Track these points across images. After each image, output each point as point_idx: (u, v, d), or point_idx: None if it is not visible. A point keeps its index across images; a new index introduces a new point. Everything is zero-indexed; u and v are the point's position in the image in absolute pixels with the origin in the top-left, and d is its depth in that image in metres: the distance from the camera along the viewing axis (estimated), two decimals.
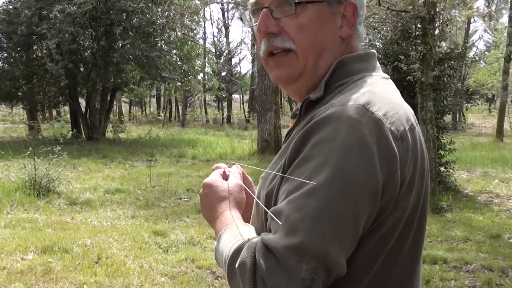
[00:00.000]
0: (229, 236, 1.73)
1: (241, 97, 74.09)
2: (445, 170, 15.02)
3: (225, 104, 67.81)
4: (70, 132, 31.04)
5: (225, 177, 2.06)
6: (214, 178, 2.01)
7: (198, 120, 61.18)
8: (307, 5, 1.78)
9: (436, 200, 12.56)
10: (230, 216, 1.85)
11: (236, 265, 1.56)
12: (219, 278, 7.71)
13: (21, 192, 13.37)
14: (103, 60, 30.34)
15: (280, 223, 1.51)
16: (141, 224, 10.79)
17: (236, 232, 1.73)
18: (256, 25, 1.86)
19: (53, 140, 23.68)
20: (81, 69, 31.15)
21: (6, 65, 32.34)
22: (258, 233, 1.73)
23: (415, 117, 1.80)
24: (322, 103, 1.73)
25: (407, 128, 1.64)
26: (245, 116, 59.83)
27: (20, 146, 21.40)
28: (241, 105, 71.44)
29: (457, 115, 50.29)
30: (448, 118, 30.31)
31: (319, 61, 1.81)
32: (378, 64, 1.90)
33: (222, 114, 63.10)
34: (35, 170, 13.85)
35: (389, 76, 1.89)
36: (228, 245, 1.69)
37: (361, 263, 1.60)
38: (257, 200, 1.82)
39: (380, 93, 1.68)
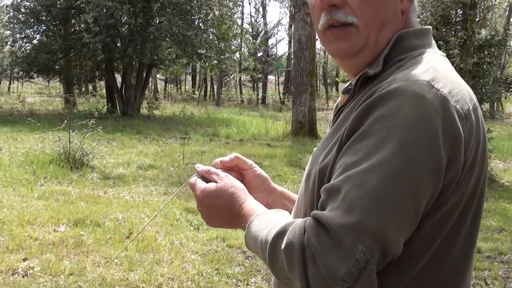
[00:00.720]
0: (263, 221, 1.67)
1: (277, 78, 73.86)
2: None
3: (260, 84, 67.73)
4: (105, 107, 31.11)
5: (205, 181, 1.98)
6: (203, 186, 1.91)
7: (233, 99, 61.25)
8: None
9: None
10: (253, 205, 1.82)
11: (282, 247, 1.48)
12: (249, 258, 7.69)
13: (55, 164, 13.46)
14: (140, 36, 30.43)
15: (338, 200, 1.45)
16: (173, 201, 10.79)
17: (270, 217, 1.68)
18: None
19: (88, 115, 23.76)
20: (118, 44, 31.26)
21: (44, 38, 32.69)
22: (307, 211, 1.70)
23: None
24: (379, 79, 1.67)
25: (471, 108, 1.58)
26: (280, 98, 59.67)
27: (56, 119, 21.55)
28: (276, 86, 71.29)
29: (495, 104, 49.78)
30: (486, 106, 30.04)
31: (380, 34, 1.75)
32: (433, 40, 1.83)
33: (257, 95, 63.07)
34: (70, 143, 13.93)
35: (444, 54, 1.82)
36: (264, 229, 1.62)
37: (417, 245, 1.54)
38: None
39: (443, 70, 1.63)
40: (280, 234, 1.52)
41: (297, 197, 1.90)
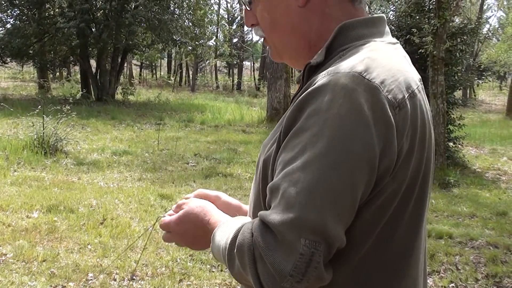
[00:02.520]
0: (222, 231, 1.70)
1: (252, 64, 73.87)
2: (453, 145, 14.98)
3: (235, 70, 67.62)
4: (80, 93, 30.82)
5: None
6: (173, 217, 1.94)
7: (208, 85, 61.10)
8: None
9: (443, 175, 12.53)
10: (218, 217, 1.83)
11: (235, 250, 1.53)
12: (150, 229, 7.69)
13: (29, 150, 13.40)
14: (115, 21, 30.30)
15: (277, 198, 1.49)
16: (148, 187, 10.79)
17: (230, 224, 1.71)
18: None
19: (63, 100, 23.67)
20: (93, 29, 31.11)
21: (18, 22, 32.35)
22: (254, 202, 1.78)
23: (422, 82, 1.77)
24: (323, 68, 1.67)
25: (406, 96, 1.59)
26: (255, 84, 59.63)
27: (29, 104, 21.38)
28: (252, 73, 71.24)
29: (468, 91, 50.14)
30: (458, 93, 30.24)
31: (286, 41, 1.86)
32: (387, 29, 1.85)
33: (233, 81, 63.00)
34: (43, 129, 13.86)
35: (397, 41, 1.84)
36: (224, 237, 1.65)
37: (358, 233, 1.56)
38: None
39: (381, 60, 1.63)
40: (234, 238, 1.56)
41: (250, 193, 1.93)
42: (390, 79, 1.57)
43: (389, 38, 1.82)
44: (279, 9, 1.81)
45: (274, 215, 1.46)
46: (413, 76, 1.69)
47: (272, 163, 1.66)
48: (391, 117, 1.51)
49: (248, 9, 1.89)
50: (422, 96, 1.70)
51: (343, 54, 1.68)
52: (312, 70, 1.73)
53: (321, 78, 1.57)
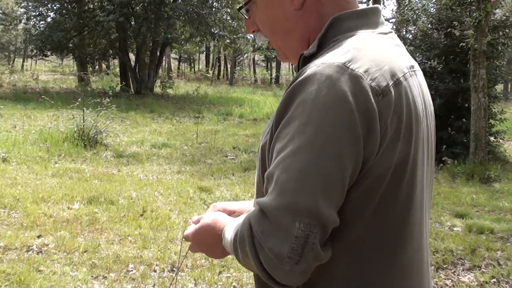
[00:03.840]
0: (230, 228, 1.80)
1: None
2: (494, 140, 14.85)
3: (274, 64, 67.46)
4: (119, 86, 31.16)
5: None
6: (191, 229, 2.02)
7: (246, 79, 61.09)
8: (254, 1, 1.92)
9: (484, 170, 12.40)
10: (226, 222, 1.90)
11: (237, 242, 1.63)
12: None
13: (69, 142, 13.50)
14: (154, 15, 30.40)
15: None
16: (187, 180, 10.82)
17: (235, 221, 1.81)
18: None
19: (102, 93, 23.84)
20: (132, 23, 31.22)
21: (59, 16, 32.65)
22: (257, 193, 1.86)
23: (416, 69, 1.86)
24: (314, 59, 1.74)
25: (390, 84, 1.65)
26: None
27: (69, 97, 21.53)
28: (290, 66, 70.96)
29: (510, 85, 49.48)
30: (499, 87, 29.87)
31: (288, 43, 1.93)
32: (382, 19, 1.91)
33: (271, 74, 62.92)
34: (84, 121, 13.96)
35: (391, 31, 1.91)
36: (230, 233, 1.75)
37: (348, 213, 1.63)
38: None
39: (366, 49, 1.70)
40: (237, 231, 1.68)
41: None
42: (374, 67, 1.64)
43: (382, 28, 1.87)
44: (277, 14, 1.88)
45: (269, 202, 1.54)
46: (400, 65, 1.74)
47: (268, 150, 1.74)
48: (374, 104, 1.57)
49: (247, 17, 1.97)
50: (411, 83, 1.75)
51: (333, 45, 1.75)
52: (306, 61, 1.78)
53: (308, 69, 1.64)
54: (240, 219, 1.75)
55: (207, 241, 1.95)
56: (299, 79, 1.63)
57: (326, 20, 1.82)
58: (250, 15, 1.95)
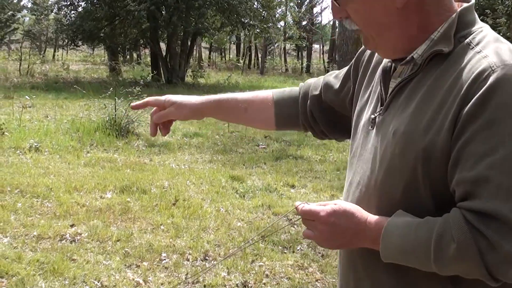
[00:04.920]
0: (402, 229, 1.76)
1: (321, 47, 73.36)
2: None
3: (304, 53, 67.42)
4: (150, 75, 31.26)
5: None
6: (326, 207, 1.93)
7: (277, 68, 60.86)
8: None
9: None
10: (375, 217, 1.87)
11: (453, 246, 1.62)
12: (295, 226, 7.68)
13: (101, 132, 13.56)
14: (185, 4, 30.43)
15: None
16: (218, 169, 10.83)
17: (408, 223, 1.76)
18: None
19: (133, 82, 23.88)
20: (163, 12, 31.30)
21: (90, 5, 32.82)
22: (396, 190, 1.82)
23: None
24: (452, 56, 1.80)
25: None
26: (325, 66, 58.95)
27: (101, 86, 21.64)
28: (321, 55, 70.86)
29: None
30: None
31: (384, 36, 1.91)
32: None
33: (302, 64, 62.68)
34: (115, 111, 14.03)
35: None
36: (409, 235, 1.73)
37: None
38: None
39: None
40: (440, 235, 1.66)
41: (365, 171, 1.97)
42: None
43: None
44: (376, 9, 1.86)
45: (499, 205, 1.58)
46: None
47: (442, 151, 1.71)
48: None
49: (337, 4, 1.92)
50: None
51: (469, 42, 1.80)
52: (440, 57, 1.83)
53: (492, 71, 1.66)
54: (419, 222, 1.74)
55: (344, 226, 1.88)
56: (489, 83, 1.65)
57: (433, 18, 1.85)
58: (340, 2, 1.91)
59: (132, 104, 2.62)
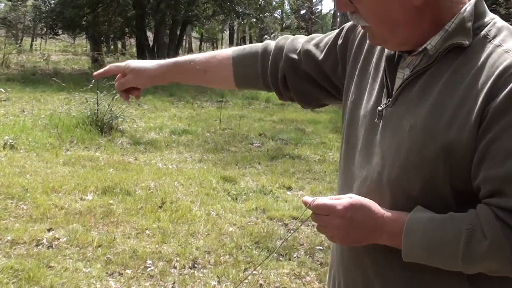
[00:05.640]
0: (426, 225, 1.81)
1: None
2: None
3: None
4: None
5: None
6: (342, 201, 1.93)
7: None
8: None
9: None
10: (396, 215, 1.89)
11: (486, 243, 1.69)
12: (292, 231, 7.69)
13: (82, 128, 13.53)
14: None
15: None
16: (209, 169, 10.83)
17: (432, 219, 1.81)
18: None
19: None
20: None
21: None
22: (414, 186, 1.86)
23: None
24: (470, 48, 1.85)
25: None
26: None
27: (82, 79, 21.61)
28: None
29: None
30: None
31: (396, 32, 1.93)
32: None
33: None
34: (98, 105, 14.01)
35: None
36: (435, 232, 1.78)
37: None
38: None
39: None
40: (470, 232, 1.73)
41: (374, 166, 1.99)
42: None
43: None
44: (392, 7, 1.88)
45: None
46: None
47: (466, 147, 1.76)
48: None
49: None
50: None
51: (485, 34, 1.87)
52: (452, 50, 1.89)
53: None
54: (445, 219, 1.79)
55: (362, 221, 1.90)
56: None
57: (447, 12, 1.89)
58: None
59: (94, 73, 2.75)
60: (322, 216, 1.91)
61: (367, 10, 1.91)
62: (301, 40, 2.52)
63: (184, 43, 46.08)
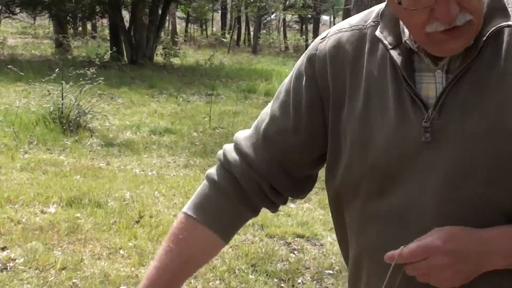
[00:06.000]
0: None
1: (332, 19, 73.76)
2: None
3: (310, 27, 67.58)
4: (109, 53, 31.28)
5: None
6: (432, 237, 1.89)
7: (275, 46, 61.20)
8: None
9: None
10: (498, 229, 1.90)
11: None
12: (295, 252, 7.72)
13: (43, 126, 13.58)
14: None
15: None
16: (196, 176, 10.84)
17: None
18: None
19: (86, 62, 23.94)
20: None
21: None
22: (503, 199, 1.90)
23: None
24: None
25: None
26: None
27: (44, 67, 21.67)
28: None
29: None
30: None
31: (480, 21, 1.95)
32: None
33: (306, 40, 62.77)
34: (62, 99, 14.03)
35: None
36: None
37: None
38: None
39: None
40: None
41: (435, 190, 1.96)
42: None
43: None
44: None
45: None
46: None
47: None
48: None
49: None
50: None
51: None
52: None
53: None
54: None
55: (465, 247, 1.87)
56: None
57: None
58: None
59: None
60: (420, 262, 1.88)
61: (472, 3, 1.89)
62: (255, 135, 2.45)
63: (167, 24, 46.07)
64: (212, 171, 2.50)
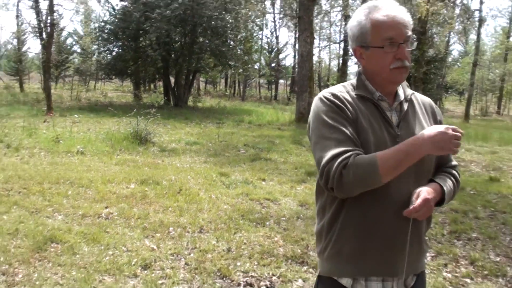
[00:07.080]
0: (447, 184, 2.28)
1: (285, 81, 73.25)
2: None
3: (273, 86, 67.31)
4: (162, 100, 31.10)
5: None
6: (423, 195, 2.09)
7: (254, 96, 60.70)
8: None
9: None
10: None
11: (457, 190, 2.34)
12: (265, 208, 7.70)
13: (127, 140, 13.50)
14: (188, 50, 30.50)
15: None
16: (211, 167, 10.81)
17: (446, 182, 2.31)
18: (394, 51, 2.16)
19: (150, 106, 23.74)
20: (172, 56, 31.28)
21: (121, 51, 32.67)
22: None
23: None
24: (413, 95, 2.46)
25: None
26: (287, 95, 59.05)
27: (127, 108, 21.47)
28: (285, 87, 70.71)
29: (438, 102, 49.56)
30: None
31: None
32: None
33: (271, 93, 62.44)
34: (137, 126, 13.96)
35: None
36: (449, 187, 2.27)
37: None
38: None
39: None
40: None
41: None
42: None
43: None
44: None
45: None
46: None
47: None
48: None
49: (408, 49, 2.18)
50: None
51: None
52: None
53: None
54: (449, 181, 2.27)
55: (434, 195, 2.13)
56: (431, 103, 2.54)
57: None
58: (407, 48, 2.17)
59: None
60: (423, 209, 2.07)
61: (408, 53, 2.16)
62: (353, 151, 2.10)
63: (194, 84, 45.84)
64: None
